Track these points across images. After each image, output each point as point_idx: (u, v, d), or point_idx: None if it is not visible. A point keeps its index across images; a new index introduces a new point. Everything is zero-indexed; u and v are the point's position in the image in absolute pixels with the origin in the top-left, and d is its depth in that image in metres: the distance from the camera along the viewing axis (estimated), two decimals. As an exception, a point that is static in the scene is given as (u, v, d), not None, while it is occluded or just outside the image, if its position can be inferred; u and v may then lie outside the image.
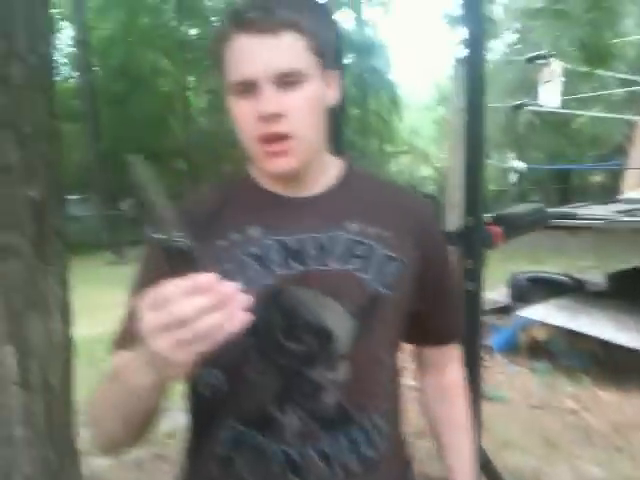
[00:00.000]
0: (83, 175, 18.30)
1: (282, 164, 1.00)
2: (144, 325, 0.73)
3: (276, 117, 0.96)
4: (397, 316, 1.08)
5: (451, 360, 1.28)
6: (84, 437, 3.97)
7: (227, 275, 0.89)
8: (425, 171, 23.71)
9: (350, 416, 1.02)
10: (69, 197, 18.73)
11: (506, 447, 3.86)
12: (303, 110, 0.98)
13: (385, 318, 1.04)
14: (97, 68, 18.94)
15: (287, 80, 0.96)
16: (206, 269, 0.74)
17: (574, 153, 16.49)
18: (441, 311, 1.20)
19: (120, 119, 19.61)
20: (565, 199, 13.89)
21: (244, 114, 0.98)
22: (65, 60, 21.11)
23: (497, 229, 2.37)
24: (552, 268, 7.89)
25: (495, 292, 6.93)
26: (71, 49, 20.07)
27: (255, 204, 1.07)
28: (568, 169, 17.07)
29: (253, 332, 0.94)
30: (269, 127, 0.97)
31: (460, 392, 1.29)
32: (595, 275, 7.35)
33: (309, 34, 0.96)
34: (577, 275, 6.96)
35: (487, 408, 4.50)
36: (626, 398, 4.51)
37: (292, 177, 1.04)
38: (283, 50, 0.95)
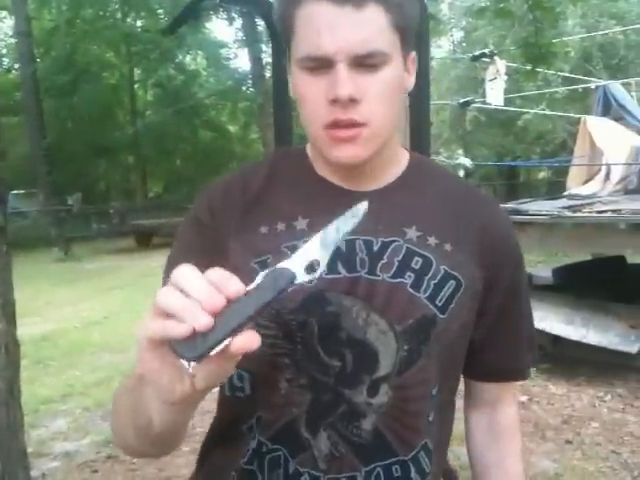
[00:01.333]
0: (28, 169, 17.78)
1: (350, 153, 0.87)
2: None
3: (352, 102, 0.84)
4: (452, 344, 0.94)
5: (507, 399, 1.13)
6: (34, 438, 3.88)
7: (263, 267, 0.86)
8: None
9: (389, 447, 0.91)
10: (14, 192, 18.17)
11: (456, 440, 3.88)
12: (381, 96, 0.86)
13: (437, 344, 0.91)
14: (40, 60, 18.36)
15: (367, 62, 0.84)
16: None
17: (521, 150, 16.82)
18: (503, 342, 1.04)
19: (65, 112, 19.12)
20: (512, 195, 14.16)
21: (312, 95, 0.86)
22: (5, 51, 20.46)
23: None
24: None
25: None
26: (12, 40, 19.46)
27: (308, 192, 0.95)
28: (514, 166, 17.41)
29: (288, 336, 0.89)
30: (343, 113, 0.84)
31: (515, 436, 1.13)
32: (542, 269, 7.49)
33: (395, 9, 0.84)
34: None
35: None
36: (575, 391, 4.60)
37: (356, 168, 0.92)
38: (367, 26, 0.82)
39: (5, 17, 20.28)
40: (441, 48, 20.46)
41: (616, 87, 8.73)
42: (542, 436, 3.94)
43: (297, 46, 0.86)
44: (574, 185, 8.25)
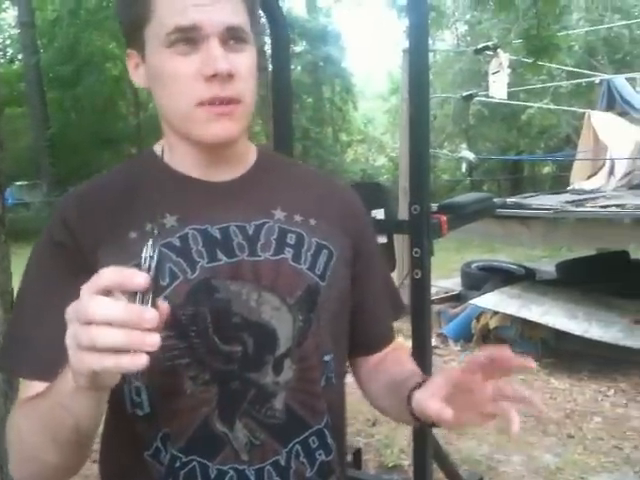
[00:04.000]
0: (32, 160, 17.76)
1: (227, 128, 0.87)
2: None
3: (229, 78, 0.84)
4: (336, 312, 0.97)
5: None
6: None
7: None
8: (380, 160, 23.82)
9: (302, 420, 0.92)
10: (18, 183, 18.17)
11: (459, 435, 3.88)
12: (250, 74, 0.88)
13: (324, 312, 0.94)
14: (43, 51, 18.34)
15: (235, 37, 0.85)
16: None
17: (524, 144, 16.78)
18: (372, 310, 1.07)
19: (68, 103, 19.08)
20: (516, 189, 14.13)
21: (184, 72, 0.84)
22: (9, 42, 20.43)
23: (443, 218, 2.38)
24: (505, 257, 8.03)
25: (449, 281, 7.00)
26: (15, 31, 19.42)
27: (170, 190, 0.93)
28: (518, 160, 17.37)
29: (182, 333, 0.85)
30: (221, 89, 0.84)
31: (395, 347, 1.11)
32: (545, 264, 7.50)
33: None
34: (528, 264, 7.08)
35: (442, 397, 4.56)
36: (577, 386, 4.60)
37: (222, 152, 0.93)
38: (230, 3, 0.85)
39: (8, 7, 20.20)
40: (445, 41, 20.38)
41: (621, 82, 8.68)
42: (544, 430, 3.94)
43: (160, 24, 0.84)
44: (578, 180, 8.23)
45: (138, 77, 0.92)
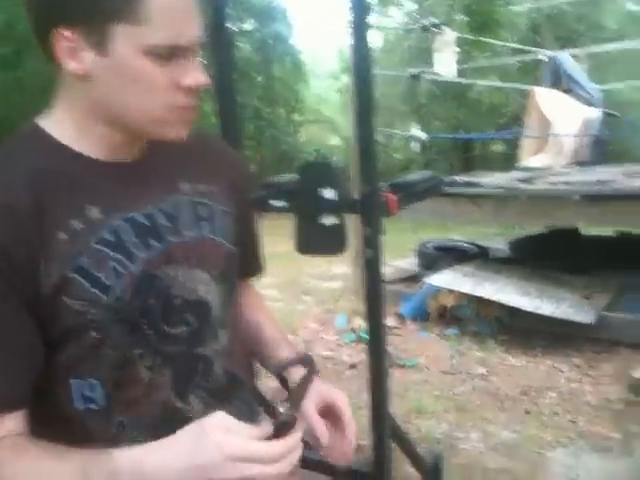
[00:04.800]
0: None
1: (187, 128, 0.95)
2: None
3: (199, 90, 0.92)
4: (236, 264, 1.10)
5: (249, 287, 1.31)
6: None
7: (86, 275, 0.86)
8: (333, 140, 23.74)
9: (239, 379, 1.06)
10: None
11: (418, 413, 3.92)
12: None
13: (234, 273, 1.07)
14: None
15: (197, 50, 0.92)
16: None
17: (475, 123, 16.92)
18: (247, 246, 1.20)
19: (10, 84, 18.38)
20: (468, 167, 14.26)
21: (160, 81, 0.88)
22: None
23: (392, 197, 2.38)
24: (458, 236, 8.11)
25: (406, 261, 7.03)
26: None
27: (82, 178, 0.91)
28: (469, 139, 17.54)
29: (134, 327, 0.91)
30: (192, 98, 0.92)
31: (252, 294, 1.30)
32: (498, 242, 7.60)
33: None
34: (481, 243, 7.16)
35: (399, 375, 4.58)
36: (533, 362, 4.68)
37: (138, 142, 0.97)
38: (200, 16, 0.90)
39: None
40: (393, 18, 20.32)
41: (565, 58, 8.78)
42: (501, 407, 4.00)
43: (151, 35, 0.85)
44: (526, 157, 8.34)
45: (78, 62, 0.87)
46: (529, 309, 4.86)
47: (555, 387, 4.24)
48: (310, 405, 1.06)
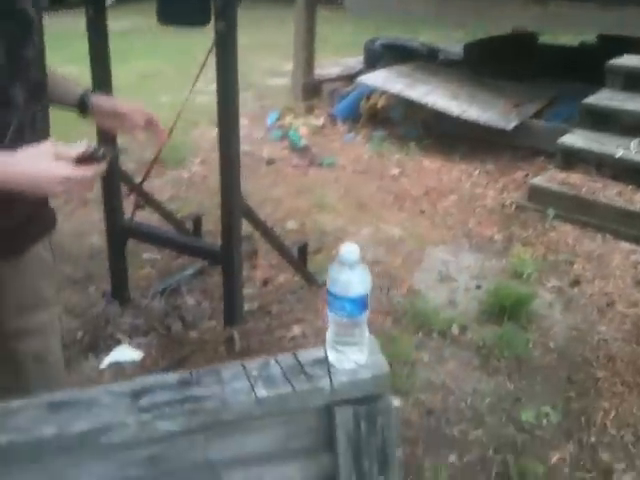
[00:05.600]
0: None
1: None
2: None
3: None
4: None
5: None
6: None
7: None
8: None
9: (45, 84, 1.29)
10: None
11: (320, 209, 4.02)
12: None
13: None
14: None
15: None
16: None
17: None
18: None
19: None
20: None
21: None
22: None
23: None
24: (426, 38, 7.72)
25: (354, 59, 6.79)
26: None
27: None
28: None
29: None
30: None
31: None
32: (457, 45, 7.28)
33: None
34: (436, 45, 6.88)
35: (313, 174, 4.64)
36: (447, 167, 4.71)
37: None
38: None
39: None
40: None
41: None
42: (400, 207, 4.10)
43: None
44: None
45: None
46: (455, 113, 4.78)
47: (458, 190, 4.31)
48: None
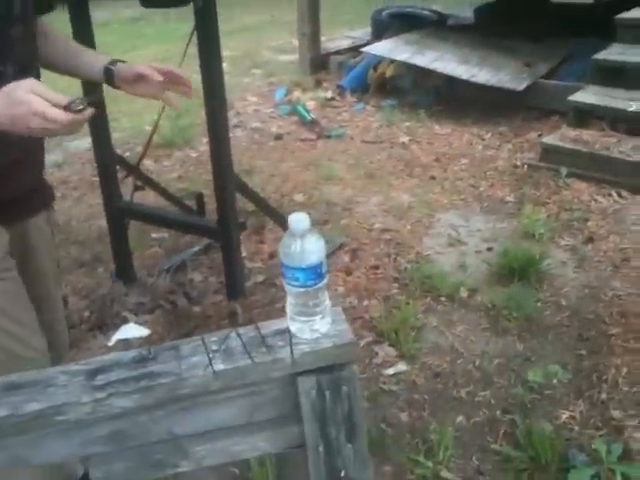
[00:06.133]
0: None
1: None
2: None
3: None
4: None
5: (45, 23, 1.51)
6: None
7: None
8: None
9: (31, 66, 1.31)
10: None
11: (328, 180, 3.97)
12: None
13: None
14: None
15: None
16: None
17: None
18: None
19: None
20: None
21: None
22: None
23: None
24: (441, 5, 7.53)
25: (362, 31, 6.68)
26: None
27: None
28: None
29: None
30: None
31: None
32: (467, 10, 7.12)
33: None
34: (445, 10, 6.73)
35: (322, 145, 4.58)
36: (458, 132, 4.61)
37: None
38: None
39: None
40: None
41: None
42: (409, 173, 4.02)
43: None
44: None
45: None
46: (464, 77, 4.69)
47: (470, 154, 4.22)
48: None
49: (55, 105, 1.06)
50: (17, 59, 1.26)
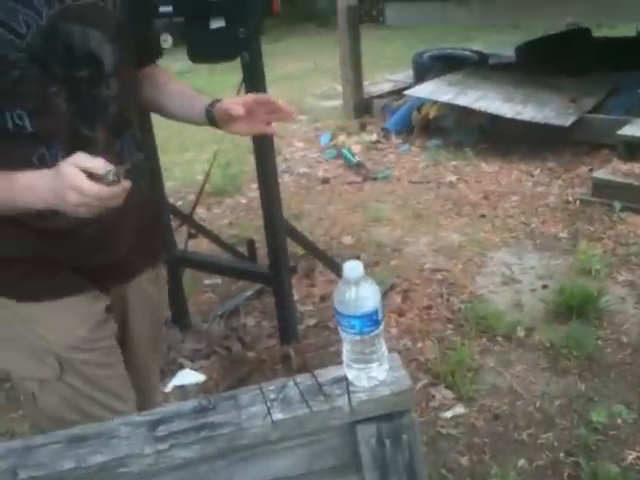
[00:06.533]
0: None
1: None
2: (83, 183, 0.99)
3: None
4: (129, 38, 1.29)
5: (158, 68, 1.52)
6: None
7: (3, 25, 1.07)
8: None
9: (128, 120, 1.31)
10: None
11: (376, 222, 3.98)
12: None
13: (127, 41, 1.27)
14: None
15: None
16: None
17: None
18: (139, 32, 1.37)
19: None
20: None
21: None
22: None
23: None
24: (481, 45, 7.63)
25: (403, 74, 6.77)
26: None
27: None
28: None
29: (44, 69, 1.14)
30: None
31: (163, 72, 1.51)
32: (508, 49, 7.15)
33: None
34: (486, 50, 6.77)
35: (368, 187, 4.61)
36: (506, 169, 4.59)
37: None
38: None
39: None
40: None
41: None
42: (458, 212, 4.01)
43: None
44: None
45: None
46: (509, 115, 4.69)
47: (520, 191, 4.19)
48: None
49: (92, 176, 1.00)
50: (111, 120, 1.23)
